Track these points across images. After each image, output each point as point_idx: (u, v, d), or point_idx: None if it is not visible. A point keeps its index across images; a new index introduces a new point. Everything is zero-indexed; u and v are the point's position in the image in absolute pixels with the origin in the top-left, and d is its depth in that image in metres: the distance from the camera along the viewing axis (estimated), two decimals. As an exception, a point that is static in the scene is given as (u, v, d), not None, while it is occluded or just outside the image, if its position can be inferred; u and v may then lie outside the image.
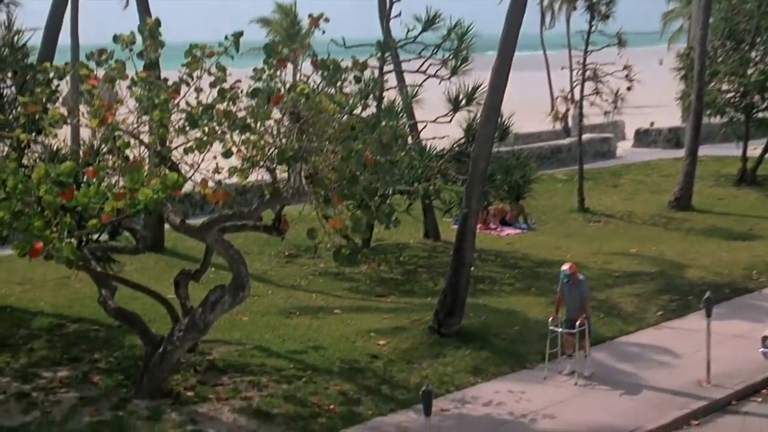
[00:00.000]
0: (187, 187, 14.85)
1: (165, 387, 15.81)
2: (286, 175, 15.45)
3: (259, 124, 14.79)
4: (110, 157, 15.83)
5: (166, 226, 25.77)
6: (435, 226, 28.36)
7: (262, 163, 15.43)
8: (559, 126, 52.58)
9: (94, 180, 14.01)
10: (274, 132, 15.02)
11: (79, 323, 19.55)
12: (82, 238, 16.66)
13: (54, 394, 15.88)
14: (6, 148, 16.04)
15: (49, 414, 15.11)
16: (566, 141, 45.33)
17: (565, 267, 17.76)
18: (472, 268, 20.34)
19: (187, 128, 14.57)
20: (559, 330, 17.54)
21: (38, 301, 21.12)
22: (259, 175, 15.58)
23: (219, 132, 14.70)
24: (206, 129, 14.67)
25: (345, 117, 15.24)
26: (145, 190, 13.17)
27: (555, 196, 35.19)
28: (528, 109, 46.07)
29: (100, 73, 14.70)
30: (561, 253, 26.00)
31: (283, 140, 14.83)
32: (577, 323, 17.33)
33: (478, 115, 24.01)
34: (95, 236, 19.18)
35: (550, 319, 17.68)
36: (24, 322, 19.64)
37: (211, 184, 14.79)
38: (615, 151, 46.43)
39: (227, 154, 14.69)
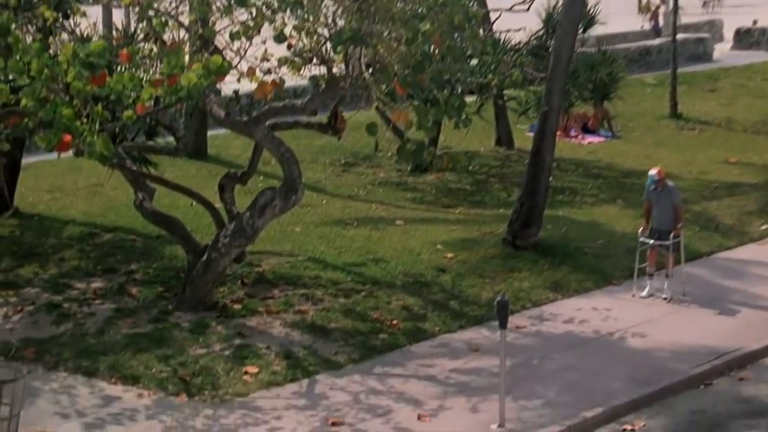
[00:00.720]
0: (232, 80, 14.56)
1: (209, 299, 15.74)
2: (343, 67, 15.14)
3: (312, 5, 14.44)
4: (146, 44, 15.62)
5: (210, 131, 25.79)
6: (508, 132, 27.88)
7: (316, 59, 15.13)
8: (648, 26, 51.43)
9: (128, 65, 13.82)
10: (329, 16, 14.67)
11: (114, 232, 19.52)
12: (116, 133, 16.50)
13: (88, 306, 15.91)
14: (30, 37, 15.79)
15: (82, 326, 15.14)
16: (656, 42, 44.29)
17: (653, 171, 17.35)
18: (551, 178, 19.94)
19: (234, 6, 14.25)
20: (650, 242, 17.15)
21: (69, 209, 21.09)
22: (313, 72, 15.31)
23: (269, 13, 14.38)
24: (254, 11, 14.36)
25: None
26: (188, 75, 12.93)
27: (643, 102, 34.48)
28: (613, 9, 45.06)
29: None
30: (650, 162, 25.35)
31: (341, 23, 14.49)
32: (672, 235, 16.95)
33: (560, 3, 23.45)
34: (130, 137, 19.07)
35: (640, 230, 17.33)
36: (53, 231, 19.62)
37: (258, 74, 14.53)
38: (711, 54, 45.27)
39: (279, 37, 14.36)
